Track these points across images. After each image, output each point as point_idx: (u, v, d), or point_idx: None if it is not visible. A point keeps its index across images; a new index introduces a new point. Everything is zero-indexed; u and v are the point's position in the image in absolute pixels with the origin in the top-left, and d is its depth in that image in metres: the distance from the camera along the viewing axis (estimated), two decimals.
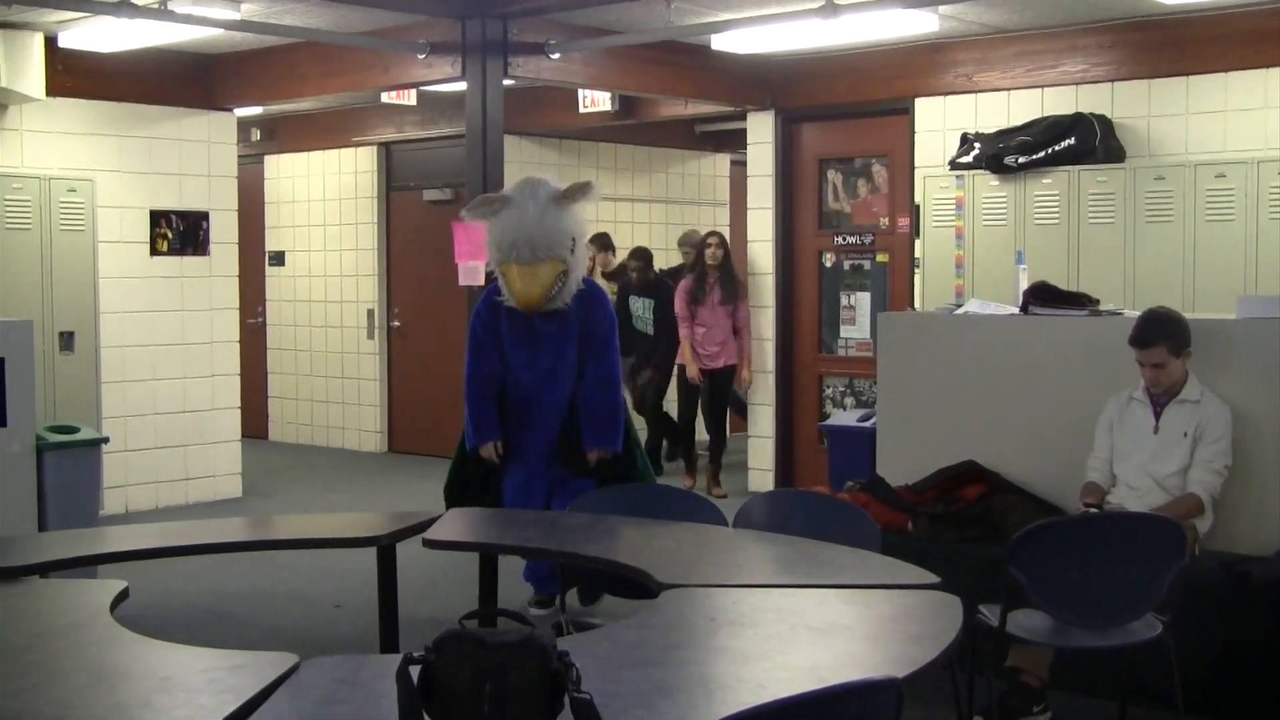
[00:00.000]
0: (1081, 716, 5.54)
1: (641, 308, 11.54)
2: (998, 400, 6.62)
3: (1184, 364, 5.72)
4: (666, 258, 12.61)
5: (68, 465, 7.14)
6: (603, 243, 11.78)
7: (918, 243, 9.48)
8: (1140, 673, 5.23)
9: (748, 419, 11.19)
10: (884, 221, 10.39)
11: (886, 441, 7.03)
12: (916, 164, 9.86)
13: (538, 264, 6.47)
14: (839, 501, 5.58)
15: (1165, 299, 6.54)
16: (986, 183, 8.98)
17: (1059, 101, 9.15)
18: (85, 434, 7.46)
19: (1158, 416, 5.76)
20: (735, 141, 12.44)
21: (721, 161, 14.26)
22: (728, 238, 11.35)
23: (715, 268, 10.70)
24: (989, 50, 9.51)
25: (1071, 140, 8.70)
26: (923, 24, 8.65)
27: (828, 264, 10.69)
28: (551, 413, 6.88)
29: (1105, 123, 8.77)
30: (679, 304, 10.82)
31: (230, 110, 10.89)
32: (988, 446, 6.53)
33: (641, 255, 11.71)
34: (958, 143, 9.29)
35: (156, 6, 7.73)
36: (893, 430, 7.01)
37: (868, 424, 7.77)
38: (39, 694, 3.19)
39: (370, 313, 13.47)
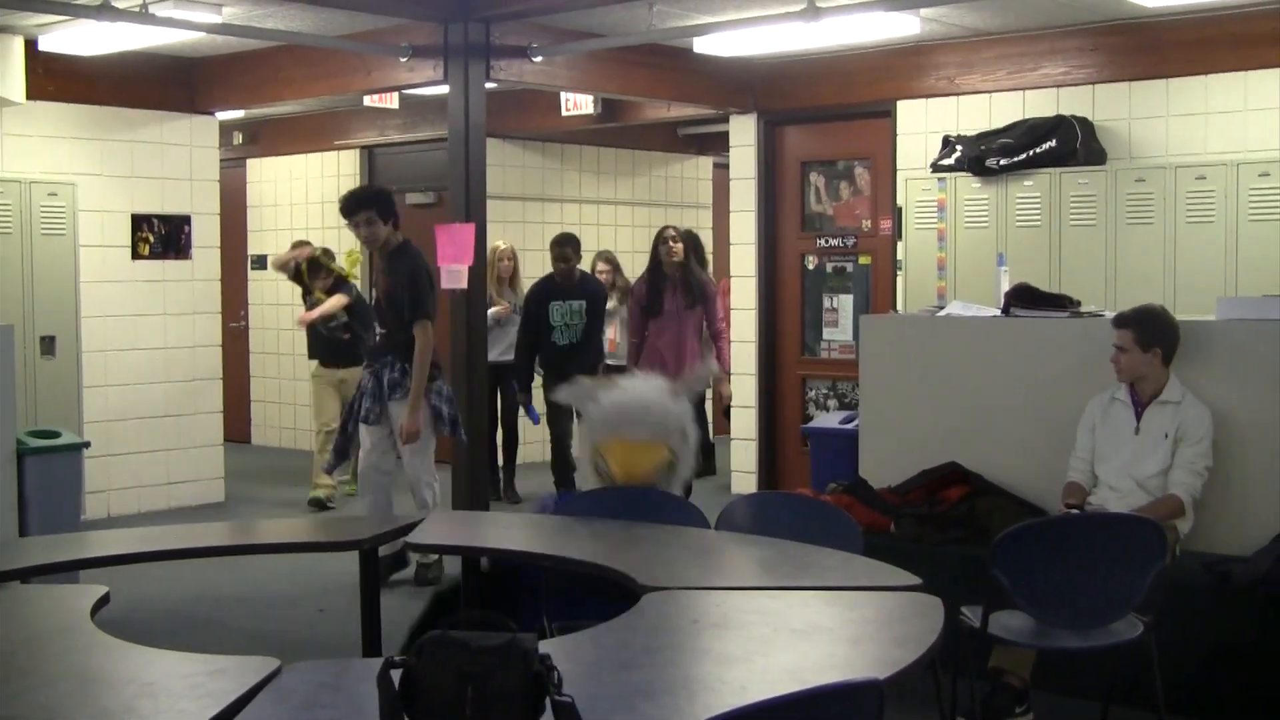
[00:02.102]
0: (1064, 717, 5.55)
1: (566, 313, 9.89)
2: (980, 402, 6.63)
3: (1154, 362, 5.74)
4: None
5: (49, 470, 7.12)
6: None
7: (900, 245, 9.50)
8: (1122, 673, 5.24)
9: (729, 422, 11.13)
10: (866, 224, 10.41)
11: (869, 443, 7.04)
12: (898, 166, 9.88)
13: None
14: (822, 503, 5.59)
15: (1146, 300, 6.53)
16: (968, 185, 9.00)
17: (1040, 104, 9.17)
18: (66, 438, 7.44)
19: (1139, 417, 5.78)
20: (718, 144, 12.45)
21: (704, 164, 14.26)
22: (706, 240, 11.11)
23: (677, 266, 9.56)
24: (970, 53, 9.53)
25: (1053, 142, 8.72)
26: (904, 26, 8.67)
27: (810, 266, 10.70)
28: None
29: (1086, 125, 8.80)
30: (632, 314, 9.76)
31: (212, 114, 10.87)
32: (970, 448, 6.55)
33: (568, 242, 10.06)
34: (939, 145, 9.31)
35: (137, 10, 7.71)
36: (875, 432, 7.03)
37: (850, 426, 7.77)
38: (20, 700, 3.18)
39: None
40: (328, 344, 10.51)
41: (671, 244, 9.47)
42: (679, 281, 9.50)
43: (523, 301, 10.29)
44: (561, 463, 9.93)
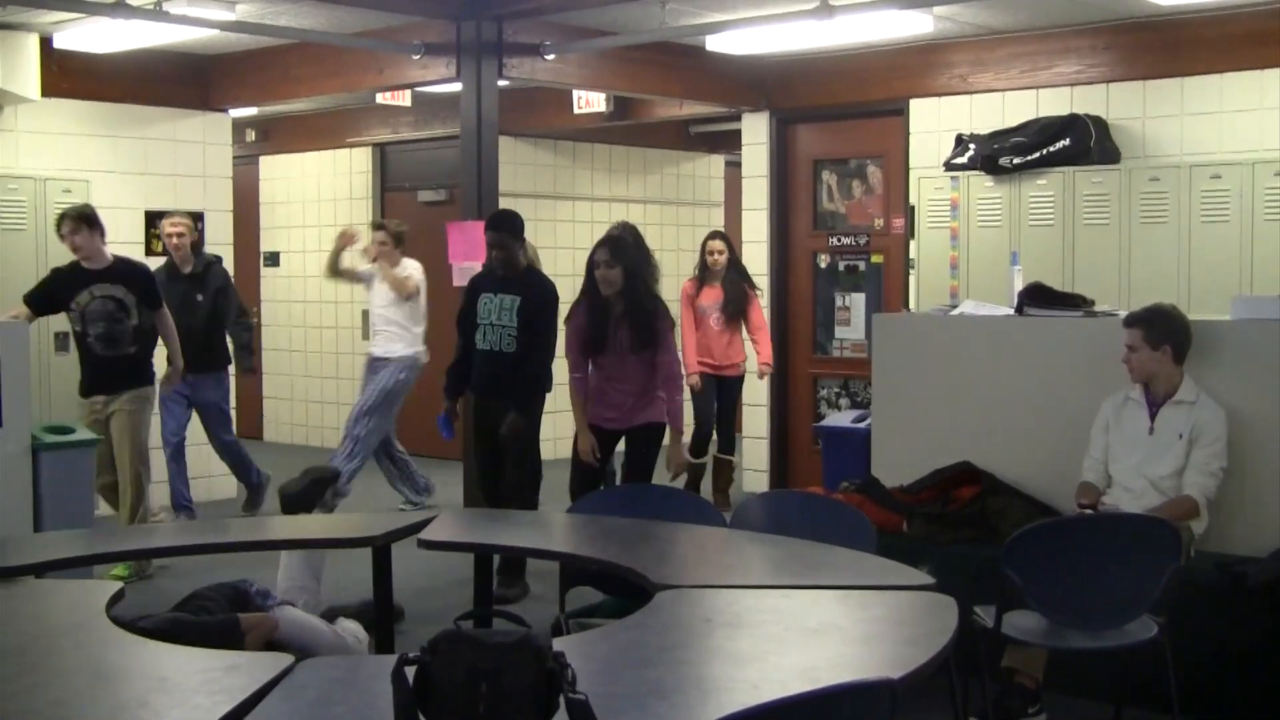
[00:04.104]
0: (1077, 718, 5.54)
1: (493, 309, 7.65)
2: (993, 401, 6.62)
3: (1165, 360, 5.72)
4: (663, 260, 12.44)
5: (63, 466, 7.13)
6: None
7: (912, 244, 9.48)
8: (1136, 674, 5.23)
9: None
10: (879, 222, 10.40)
11: (881, 442, 7.03)
12: (911, 165, 9.87)
13: None
14: (834, 502, 5.58)
15: (1160, 300, 6.52)
16: (981, 184, 8.98)
17: (1054, 103, 9.16)
18: (80, 434, 7.45)
19: (1153, 418, 5.77)
20: (730, 142, 12.46)
21: (716, 163, 14.26)
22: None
23: (618, 295, 7.36)
24: (983, 51, 9.52)
25: (1066, 141, 8.71)
26: (917, 25, 8.66)
27: (822, 265, 10.69)
28: None
29: (1100, 124, 8.78)
30: (570, 348, 7.48)
31: (225, 111, 10.89)
32: (983, 447, 6.53)
33: (503, 224, 7.75)
34: (952, 144, 9.29)
35: (151, 7, 7.73)
36: (887, 431, 7.02)
37: (862, 425, 7.77)
38: (36, 695, 3.18)
39: (365, 313, 13.44)
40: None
41: (605, 269, 7.34)
42: (623, 315, 7.35)
43: None
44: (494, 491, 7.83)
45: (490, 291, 7.69)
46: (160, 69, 10.29)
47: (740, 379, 10.15)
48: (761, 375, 10.25)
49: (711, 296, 9.95)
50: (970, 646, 4.77)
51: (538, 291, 7.71)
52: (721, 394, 10.02)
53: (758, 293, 10.18)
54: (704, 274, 10.02)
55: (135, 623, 4.45)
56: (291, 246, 14.18)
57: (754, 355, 10.14)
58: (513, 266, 7.69)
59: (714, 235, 10.22)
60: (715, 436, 10.15)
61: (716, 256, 9.95)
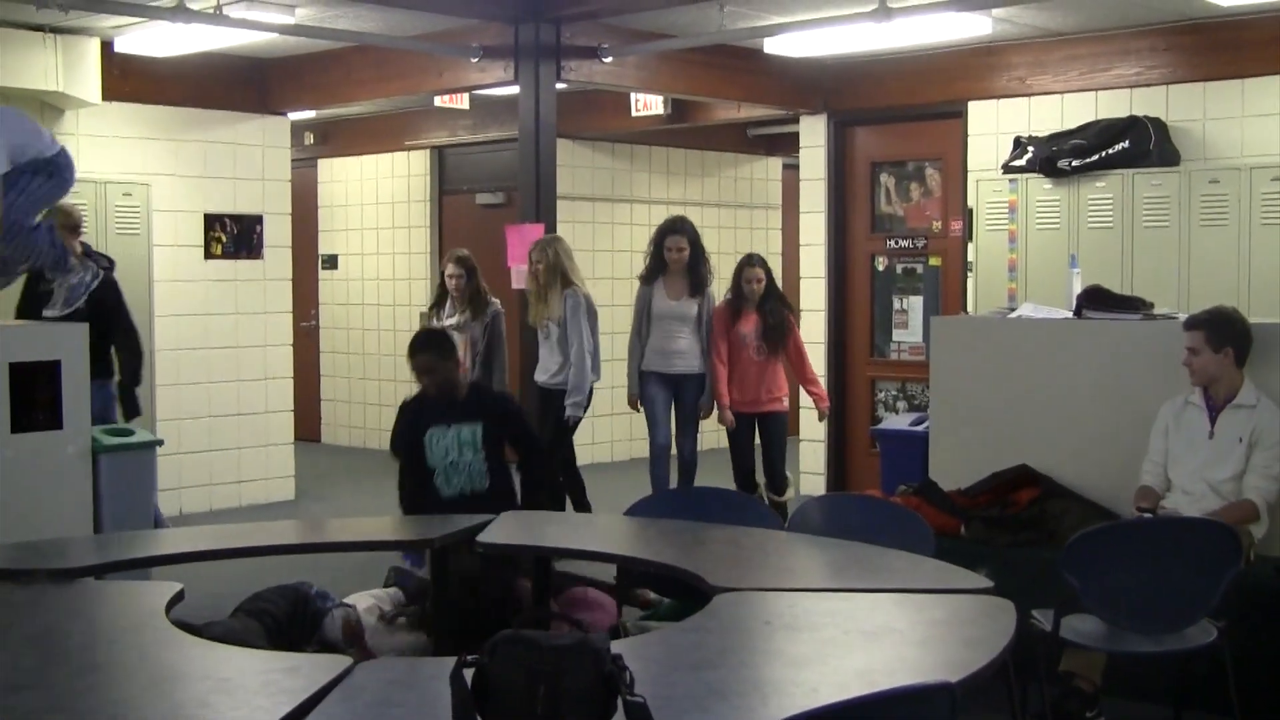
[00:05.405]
0: None
1: (451, 445, 6.87)
2: (1051, 404, 6.58)
3: (1226, 364, 5.67)
4: (719, 263, 12.39)
5: (123, 468, 7.17)
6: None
7: (970, 246, 9.44)
8: (1195, 678, 5.20)
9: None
10: (937, 225, 10.36)
11: (939, 445, 7.00)
12: (969, 167, 9.83)
13: None
14: (892, 505, 5.57)
15: (1219, 303, 6.46)
16: (1040, 186, 8.94)
17: (1113, 104, 9.10)
18: (140, 437, 7.50)
19: (1213, 421, 5.72)
20: (788, 145, 12.44)
21: (774, 165, 14.24)
22: (774, 242, 10.57)
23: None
24: (1042, 53, 9.47)
25: (1125, 143, 8.65)
26: (976, 27, 8.62)
27: (880, 267, 10.66)
28: None
29: (1160, 126, 8.71)
30: None
31: (284, 114, 10.97)
32: (1041, 450, 6.50)
33: (426, 345, 7.25)
34: (1011, 146, 9.25)
35: (211, 11, 7.79)
36: (945, 434, 6.99)
37: (920, 428, 7.74)
38: (97, 695, 3.21)
39: (423, 316, 13.51)
40: None
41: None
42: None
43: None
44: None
45: (439, 424, 6.81)
46: (220, 72, 10.38)
47: (783, 415, 8.83)
48: (821, 416, 9.32)
49: (750, 324, 8.72)
50: (1028, 650, 4.74)
51: (500, 408, 7.02)
52: (764, 432, 8.78)
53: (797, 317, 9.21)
54: (739, 301, 8.77)
55: (203, 629, 4.49)
56: (350, 249, 14.26)
57: (798, 392, 9.22)
58: (454, 389, 6.92)
59: (751, 262, 8.81)
60: (764, 477, 8.95)
61: (755, 286, 8.68)
